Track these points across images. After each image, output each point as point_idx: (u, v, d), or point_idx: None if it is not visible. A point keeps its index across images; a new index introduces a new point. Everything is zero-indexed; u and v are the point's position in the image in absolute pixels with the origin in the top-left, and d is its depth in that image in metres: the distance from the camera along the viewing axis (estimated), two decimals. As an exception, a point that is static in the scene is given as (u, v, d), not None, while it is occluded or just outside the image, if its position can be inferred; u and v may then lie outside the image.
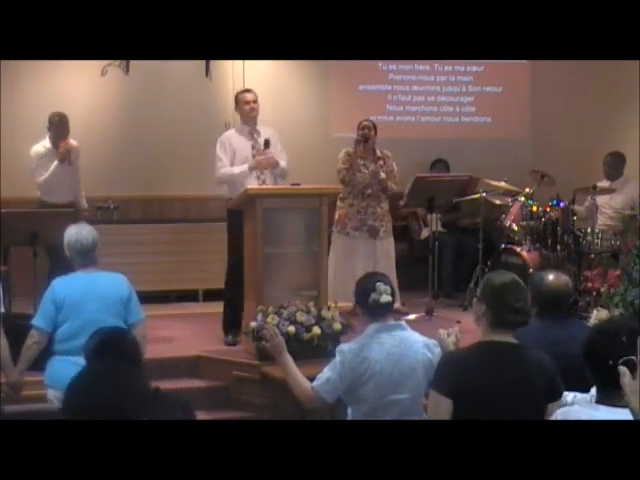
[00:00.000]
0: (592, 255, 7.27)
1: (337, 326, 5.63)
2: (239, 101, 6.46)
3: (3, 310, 4.74)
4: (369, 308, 3.86)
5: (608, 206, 7.75)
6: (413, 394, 3.78)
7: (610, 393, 2.86)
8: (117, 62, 8.13)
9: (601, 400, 2.90)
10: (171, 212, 8.54)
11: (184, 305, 7.92)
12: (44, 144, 6.90)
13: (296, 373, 3.92)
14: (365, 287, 3.90)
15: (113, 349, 3.30)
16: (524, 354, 3.37)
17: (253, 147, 6.35)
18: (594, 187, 7.46)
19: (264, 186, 6.23)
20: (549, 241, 7.34)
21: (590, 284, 6.66)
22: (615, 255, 6.95)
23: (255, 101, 6.41)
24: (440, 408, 3.27)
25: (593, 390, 3.10)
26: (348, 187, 7.18)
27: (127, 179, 8.15)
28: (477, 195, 7.72)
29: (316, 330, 5.55)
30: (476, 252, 7.58)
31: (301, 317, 5.58)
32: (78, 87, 8.07)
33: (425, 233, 8.21)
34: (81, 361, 3.51)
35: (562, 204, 7.37)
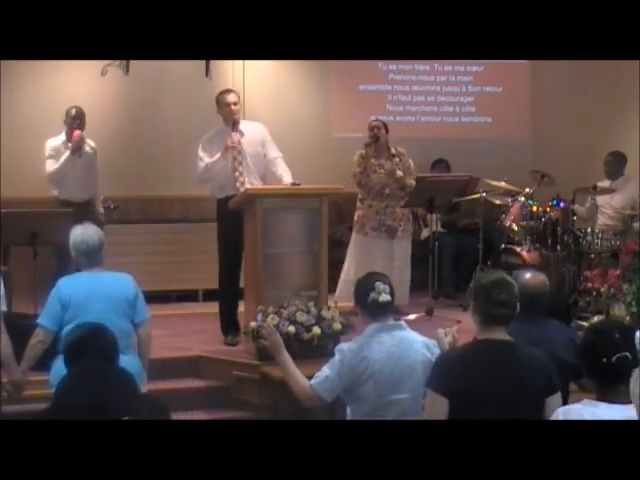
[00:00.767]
0: (592, 255, 7.26)
1: (337, 326, 5.62)
2: (220, 102, 6.28)
3: (5, 309, 4.74)
4: (368, 308, 3.86)
5: (608, 206, 7.74)
6: (413, 394, 3.78)
7: (608, 390, 2.93)
8: (117, 62, 8.12)
9: (600, 397, 2.93)
10: (171, 212, 8.53)
11: (184, 305, 7.92)
12: (60, 137, 6.92)
13: (294, 371, 3.91)
14: (364, 287, 3.90)
15: (87, 349, 3.30)
16: (520, 351, 3.38)
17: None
18: (594, 187, 7.46)
19: (264, 186, 6.23)
20: (549, 241, 7.33)
21: (590, 284, 6.66)
22: (615, 255, 6.94)
23: (236, 103, 6.23)
24: (437, 407, 3.28)
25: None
26: (365, 189, 7.20)
27: (127, 179, 8.14)
28: (477, 195, 7.72)
29: (316, 330, 5.55)
30: (476, 252, 7.57)
31: (301, 317, 5.58)
32: (78, 87, 8.06)
33: (425, 233, 8.21)
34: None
35: (562, 204, 7.37)
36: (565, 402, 3.49)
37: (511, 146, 9.28)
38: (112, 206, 7.37)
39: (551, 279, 5.10)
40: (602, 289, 6.39)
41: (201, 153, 6.27)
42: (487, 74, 9.35)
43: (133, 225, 8.03)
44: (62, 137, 6.92)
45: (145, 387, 4.57)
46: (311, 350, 5.36)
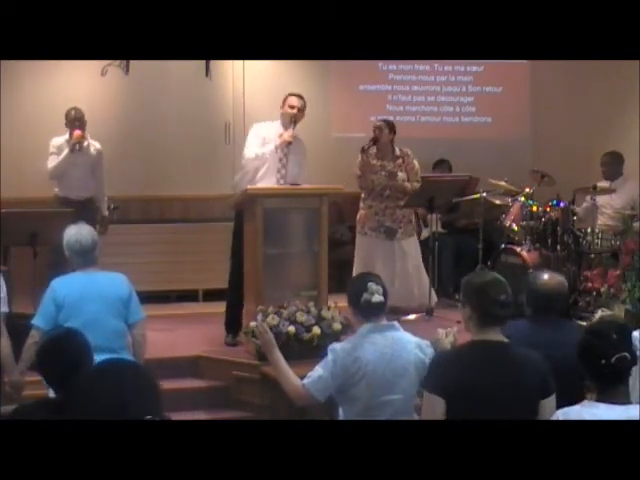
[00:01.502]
0: (592, 255, 7.26)
1: (337, 326, 5.62)
2: (284, 100, 6.36)
3: (6, 309, 4.74)
4: (361, 308, 3.84)
5: (608, 206, 7.73)
6: (405, 395, 3.76)
7: (607, 391, 2.92)
8: (117, 62, 8.12)
9: (600, 398, 2.93)
10: (171, 212, 8.53)
11: (184, 305, 7.92)
12: (65, 136, 7.01)
13: (287, 370, 3.89)
14: (357, 287, 3.88)
15: (56, 354, 3.30)
16: (515, 353, 3.37)
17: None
18: (594, 187, 7.45)
19: (265, 186, 6.23)
20: (549, 241, 7.33)
21: (590, 284, 6.66)
22: (615, 255, 6.94)
23: (299, 109, 6.26)
24: (433, 408, 3.26)
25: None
26: (366, 190, 7.20)
27: (127, 179, 8.14)
28: (477, 195, 7.71)
29: (316, 330, 5.55)
30: (476, 252, 7.57)
31: (301, 317, 5.58)
32: (78, 87, 8.06)
33: (425, 233, 8.21)
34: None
35: (562, 204, 7.36)
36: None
37: (511, 146, 9.28)
38: (112, 206, 7.38)
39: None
40: (602, 289, 6.39)
41: (250, 138, 6.28)
42: (487, 74, 9.36)
43: (133, 225, 8.03)
44: (66, 136, 7.01)
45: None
46: (311, 350, 5.36)
